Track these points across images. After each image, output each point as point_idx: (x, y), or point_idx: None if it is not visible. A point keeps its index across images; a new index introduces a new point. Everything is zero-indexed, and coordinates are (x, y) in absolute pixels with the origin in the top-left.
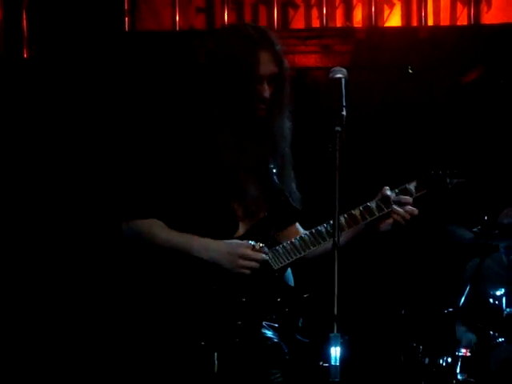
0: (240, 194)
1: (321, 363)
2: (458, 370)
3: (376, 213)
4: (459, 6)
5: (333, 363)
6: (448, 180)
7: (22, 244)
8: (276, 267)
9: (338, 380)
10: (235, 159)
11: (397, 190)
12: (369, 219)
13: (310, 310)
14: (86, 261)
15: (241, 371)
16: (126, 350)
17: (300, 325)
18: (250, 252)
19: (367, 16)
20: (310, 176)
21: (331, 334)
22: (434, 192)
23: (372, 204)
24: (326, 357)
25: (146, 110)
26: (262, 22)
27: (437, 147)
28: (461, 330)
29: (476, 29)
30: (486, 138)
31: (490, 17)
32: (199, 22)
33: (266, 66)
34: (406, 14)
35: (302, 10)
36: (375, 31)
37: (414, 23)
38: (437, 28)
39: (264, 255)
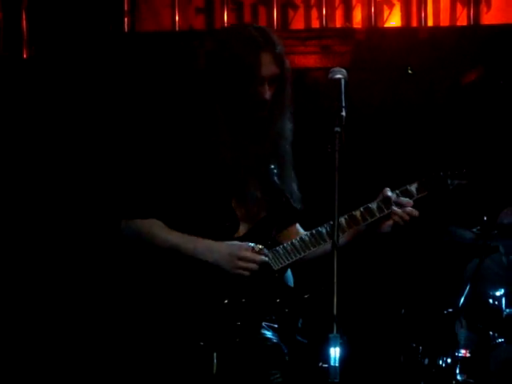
0: (240, 195)
1: (320, 364)
2: (457, 371)
3: (377, 214)
4: (459, 6)
5: (332, 364)
6: (449, 181)
7: (21, 243)
8: (276, 268)
9: (337, 381)
10: (236, 160)
11: (398, 192)
12: (369, 220)
13: (309, 311)
14: (85, 260)
15: (240, 372)
16: (125, 350)
17: (299, 325)
18: (249, 254)
19: (367, 16)
20: (309, 177)
21: (331, 335)
22: (434, 193)
23: (373, 205)
24: (326, 357)
25: (146, 110)
26: (262, 23)
27: (436, 148)
28: (460, 330)
29: (476, 29)
30: (485, 139)
31: (489, 17)
32: (199, 23)
33: (268, 67)
34: (406, 15)
35: (301, 11)
36: (375, 32)
37: (414, 24)
38: (436, 29)
39: (263, 257)
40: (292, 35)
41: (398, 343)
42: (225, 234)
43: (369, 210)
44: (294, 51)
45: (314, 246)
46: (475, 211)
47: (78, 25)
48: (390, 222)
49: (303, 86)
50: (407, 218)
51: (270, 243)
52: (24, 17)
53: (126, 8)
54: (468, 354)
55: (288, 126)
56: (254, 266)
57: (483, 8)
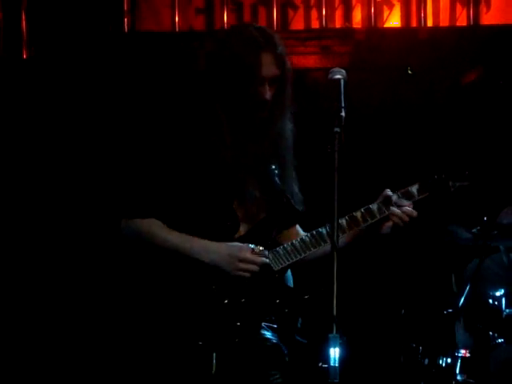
0: (241, 195)
1: (320, 364)
2: (457, 371)
3: (377, 215)
4: (458, 6)
5: (332, 364)
6: (450, 183)
7: (21, 242)
8: (276, 268)
9: (337, 381)
10: (236, 160)
11: (399, 193)
12: (370, 221)
13: (309, 311)
14: (84, 259)
15: (239, 372)
16: (124, 350)
17: (299, 326)
18: (249, 256)
19: (366, 17)
20: (309, 177)
21: (330, 335)
22: (436, 195)
23: (373, 206)
24: (326, 358)
25: (146, 110)
26: (262, 23)
27: (436, 148)
28: (460, 330)
29: (475, 30)
30: (485, 139)
31: (489, 18)
32: (199, 23)
33: (268, 67)
34: (406, 15)
35: (301, 11)
36: (374, 32)
37: (414, 24)
38: (436, 29)
39: (264, 258)
40: (292, 36)
41: (397, 343)
42: (225, 234)
43: (369, 211)
44: (293, 52)
45: (315, 247)
46: (475, 211)
47: (77, 25)
48: (390, 224)
49: (303, 87)
50: (406, 218)
51: (270, 244)
52: (24, 17)
53: (125, 8)
54: (468, 354)
55: (288, 126)
56: (254, 267)
57: (483, 8)
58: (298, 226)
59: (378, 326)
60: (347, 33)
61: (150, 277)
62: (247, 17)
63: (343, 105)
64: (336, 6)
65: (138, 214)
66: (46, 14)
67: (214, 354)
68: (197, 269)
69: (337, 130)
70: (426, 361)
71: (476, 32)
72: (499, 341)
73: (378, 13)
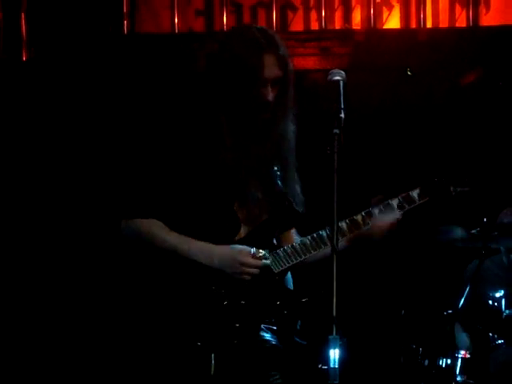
0: (242, 197)
1: (320, 365)
2: (457, 372)
3: None
4: (458, 8)
5: (332, 365)
6: (451, 188)
7: (21, 243)
8: (276, 270)
9: (337, 382)
10: (238, 162)
11: (400, 198)
12: (370, 225)
13: (308, 313)
14: (84, 259)
15: (238, 373)
16: (123, 350)
17: (298, 327)
18: (250, 260)
19: (366, 18)
20: (309, 179)
21: (330, 336)
22: (436, 199)
23: (374, 210)
24: (325, 359)
25: (147, 112)
26: (261, 25)
27: (436, 149)
28: (460, 331)
29: (475, 31)
30: (485, 140)
31: (488, 19)
32: (198, 25)
33: (271, 69)
34: (405, 16)
35: (300, 13)
36: (374, 33)
37: (413, 25)
38: (435, 30)
39: (265, 261)
40: (291, 37)
41: (397, 344)
42: (226, 235)
43: (370, 215)
44: (293, 53)
45: (315, 250)
46: (475, 212)
47: (77, 27)
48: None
49: (302, 88)
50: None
51: (271, 246)
52: (23, 19)
53: (125, 10)
54: (468, 355)
55: (291, 127)
56: (255, 271)
57: (482, 9)
58: (293, 230)
59: (378, 327)
60: (347, 34)
61: (149, 277)
62: (247, 18)
63: (342, 106)
64: (335, 7)
65: (138, 214)
66: (45, 16)
67: (213, 355)
68: (196, 270)
69: (336, 131)
70: (426, 362)
71: (475, 33)
72: (499, 342)
73: (378, 14)
